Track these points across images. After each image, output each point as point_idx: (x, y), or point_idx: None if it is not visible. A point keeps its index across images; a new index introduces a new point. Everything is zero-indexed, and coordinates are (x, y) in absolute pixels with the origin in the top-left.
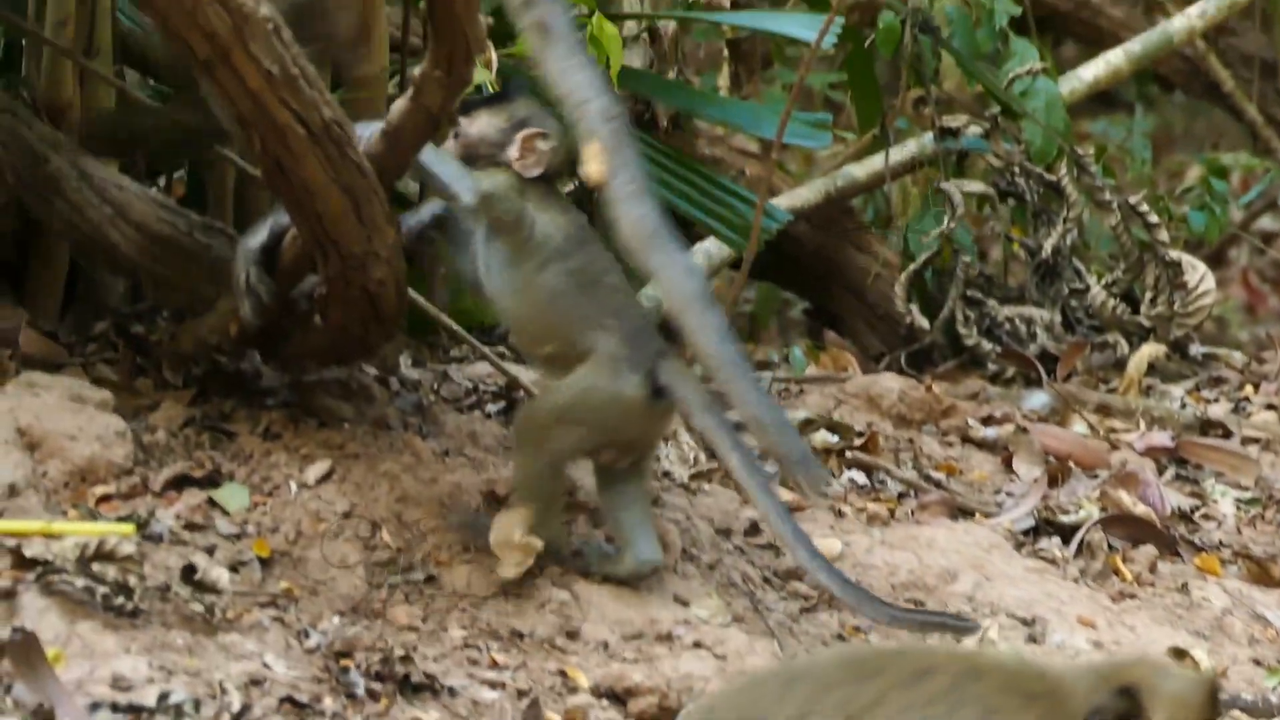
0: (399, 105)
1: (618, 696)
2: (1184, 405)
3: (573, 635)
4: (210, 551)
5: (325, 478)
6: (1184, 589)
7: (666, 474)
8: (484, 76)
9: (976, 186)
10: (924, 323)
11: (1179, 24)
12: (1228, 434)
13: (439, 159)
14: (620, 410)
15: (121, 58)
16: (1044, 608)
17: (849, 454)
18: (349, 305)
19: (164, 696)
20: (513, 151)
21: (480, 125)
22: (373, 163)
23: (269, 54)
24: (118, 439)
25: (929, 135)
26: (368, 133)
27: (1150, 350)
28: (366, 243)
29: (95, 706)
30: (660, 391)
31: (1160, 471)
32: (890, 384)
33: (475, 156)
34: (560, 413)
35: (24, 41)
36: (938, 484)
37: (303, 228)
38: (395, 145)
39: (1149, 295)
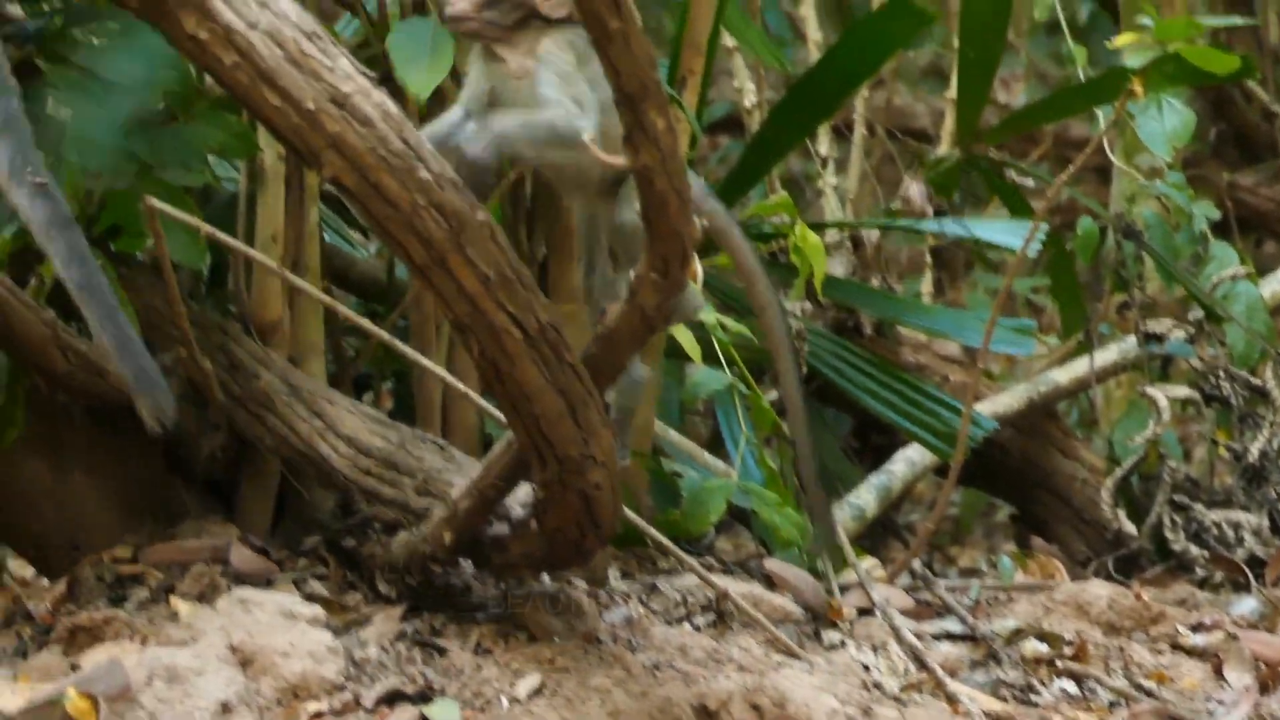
0: (614, 308)
1: None
2: None
3: None
4: None
5: (537, 692)
6: None
7: (877, 685)
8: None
9: (1181, 391)
10: (1131, 528)
11: None
12: None
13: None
14: None
15: (330, 275)
16: None
17: (1059, 663)
18: (565, 509)
19: None
20: None
21: None
22: (587, 365)
23: (485, 258)
24: (330, 654)
25: (1132, 339)
26: None
27: None
28: (583, 446)
29: None
30: None
31: None
32: (1099, 591)
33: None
34: None
35: (231, 258)
36: (1149, 693)
37: (519, 431)
38: (610, 348)
39: None
